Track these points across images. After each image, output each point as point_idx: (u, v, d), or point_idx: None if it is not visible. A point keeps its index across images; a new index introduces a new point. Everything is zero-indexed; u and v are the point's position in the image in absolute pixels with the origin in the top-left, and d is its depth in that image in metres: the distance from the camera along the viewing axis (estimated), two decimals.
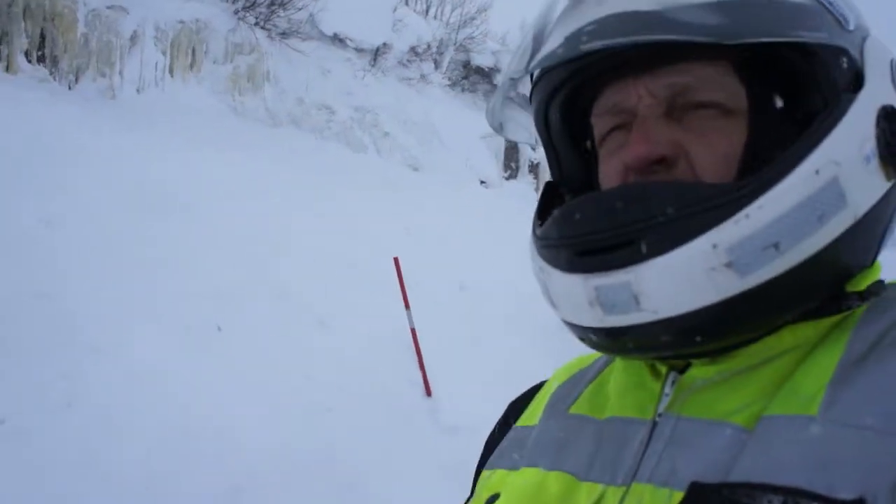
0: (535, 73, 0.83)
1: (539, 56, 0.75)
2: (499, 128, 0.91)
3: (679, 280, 0.63)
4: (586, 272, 0.69)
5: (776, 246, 0.62)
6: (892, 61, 0.74)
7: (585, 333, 0.73)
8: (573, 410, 0.84)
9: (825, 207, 0.63)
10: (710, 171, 0.69)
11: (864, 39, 0.73)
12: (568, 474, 0.75)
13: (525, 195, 15.47)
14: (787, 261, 0.63)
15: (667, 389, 0.72)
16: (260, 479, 4.50)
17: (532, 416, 0.91)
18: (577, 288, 0.70)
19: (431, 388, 6.51)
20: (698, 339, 0.66)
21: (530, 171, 17.77)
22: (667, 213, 0.64)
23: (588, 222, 0.69)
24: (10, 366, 4.45)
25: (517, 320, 7.51)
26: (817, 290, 0.67)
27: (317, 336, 6.52)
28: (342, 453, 5.04)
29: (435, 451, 5.27)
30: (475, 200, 12.81)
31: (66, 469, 3.97)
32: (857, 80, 0.70)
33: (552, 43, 0.73)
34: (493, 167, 16.89)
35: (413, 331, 6.81)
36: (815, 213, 0.63)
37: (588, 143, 0.86)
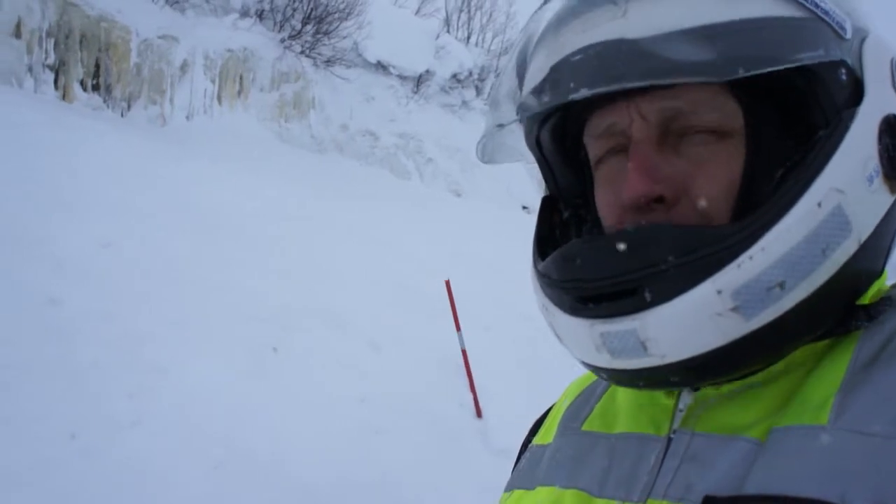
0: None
1: (526, 99, 0.74)
2: (490, 160, 0.92)
3: (685, 326, 0.63)
4: (591, 318, 0.68)
5: (781, 285, 0.61)
6: (892, 60, 0.71)
7: (597, 371, 0.74)
8: (586, 427, 0.85)
9: (830, 239, 0.62)
10: (712, 207, 0.67)
11: (862, 41, 0.70)
12: (582, 492, 0.75)
13: None
14: (792, 298, 0.62)
15: (680, 405, 0.73)
16: (314, 500, 4.53)
17: (547, 434, 0.92)
18: (582, 332, 0.70)
19: (482, 410, 6.52)
20: (707, 376, 0.67)
21: None
22: (668, 260, 0.63)
23: (589, 269, 0.68)
24: (81, 383, 4.55)
25: None
26: (825, 318, 0.66)
27: (368, 358, 6.56)
28: (394, 475, 5.05)
29: (485, 474, 5.25)
30: (518, 225, 12.81)
31: (131, 487, 4.04)
32: (856, 88, 0.68)
33: (537, 75, 0.73)
34: (534, 193, 16.93)
35: (464, 352, 6.84)
36: (820, 247, 0.61)
37: (582, 156, 0.84)
